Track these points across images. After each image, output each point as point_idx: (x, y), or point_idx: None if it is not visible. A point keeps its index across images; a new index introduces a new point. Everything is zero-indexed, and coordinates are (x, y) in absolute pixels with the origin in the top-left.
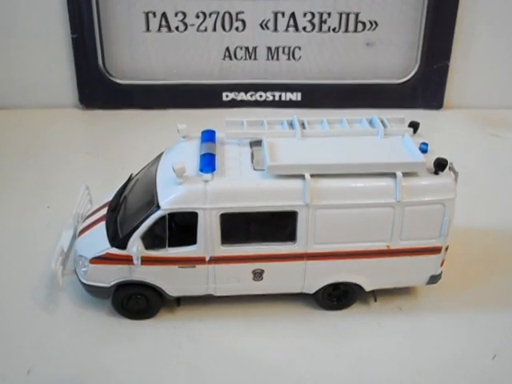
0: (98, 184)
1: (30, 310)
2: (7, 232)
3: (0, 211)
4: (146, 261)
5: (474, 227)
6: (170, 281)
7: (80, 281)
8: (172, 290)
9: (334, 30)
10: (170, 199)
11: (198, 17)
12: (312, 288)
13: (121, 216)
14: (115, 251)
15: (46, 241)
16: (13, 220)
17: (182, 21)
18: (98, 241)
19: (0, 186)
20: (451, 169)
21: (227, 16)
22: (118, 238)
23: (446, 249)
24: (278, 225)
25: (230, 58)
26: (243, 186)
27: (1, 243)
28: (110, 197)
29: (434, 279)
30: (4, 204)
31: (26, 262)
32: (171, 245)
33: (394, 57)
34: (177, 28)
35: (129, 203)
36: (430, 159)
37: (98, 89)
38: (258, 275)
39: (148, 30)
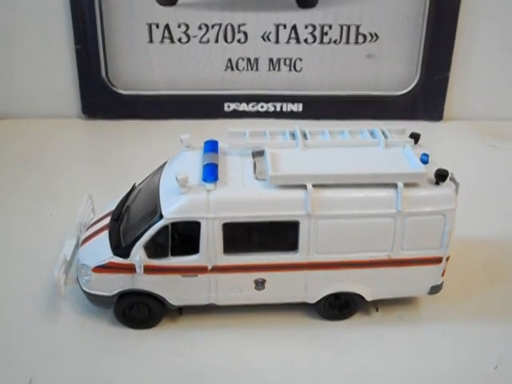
0: (101, 193)
1: (31, 318)
2: (10, 240)
3: (3, 219)
4: (148, 270)
5: (475, 237)
6: (172, 290)
7: (82, 290)
8: (174, 299)
9: (335, 41)
10: (173, 209)
11: (200, 28)
12: (313, 298)
13: (124, 225)
14: (118, 260)
15: (49, 249)
16: (15, 228)
17: (184, 32)
18: (100, 250)
19: (3, 195)
20: (452, 180)
21: (229, 28)
22: (121, 247)
23: (447, 259)
24: (279, 234)
25: (232, 69)
26: (245, 195)
27: (3, 251)
28: (112, 206)
29: (435, 289)
30: (7, 212)
31: (28, 270)
32: (174, 254)
33: (394, 69)
34: (179, 39)
35: (132, 212)
36: (430, 170)
37: (100, 99)
38: (259, 284)
39: (151, 41)
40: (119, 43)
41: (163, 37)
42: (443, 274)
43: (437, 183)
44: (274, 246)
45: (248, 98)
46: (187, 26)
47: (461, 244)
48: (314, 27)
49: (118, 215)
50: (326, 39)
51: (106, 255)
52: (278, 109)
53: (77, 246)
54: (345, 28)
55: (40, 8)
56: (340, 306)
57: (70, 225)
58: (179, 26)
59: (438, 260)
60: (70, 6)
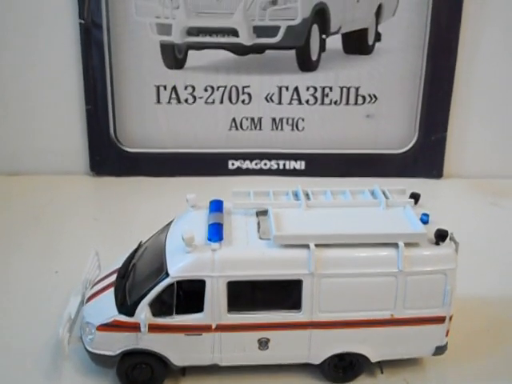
0: (107, 249)
1: (32, 378)
2: (14, 296)
3: (8, 275)
4: (152, 328)
5: (478, 296)
6: (176, 349)
7: (85, 349)
8: (177, 359)
9: (335, 102)
10: (179, 267)
11: (206, 90)
12: (318, 358)
13: (130, 283)
14: (123, 318)
15: (53, 306)
16: (20, 284)
17: (191, 94)
18: (106, 308)
19: (9, 250)
20: (452, 239)
21: (234, 89)
22: (127, 305)
23: (450, 318)
24: (283, 293)
25: (236, 128)
26: (249, 254)
27: (7, 307)
28: (119, 263)
29: (439, 350)
30: (12, 268)
31: (31, 327)
32: (178, 312)
33: (393, 128)
34: (186, 100)
35: (138, 270)
36: (431, 230)
37: (108, 156)
38: (263, 344)
39: (159, 101)
40: (128, 104)
41: (170, 98)
42: (447, 334)
43: (437, 243)
44: (278, 305)
45: (252, 156)
46: (193, 88)
47: (463, 303)
48: (315, 89)
49: (124, 273)
50: (326, 100)
51: (111, 313)
52: (281, 166)
53: (82, 304)
54: (345, 90)
55: (53, 70)
56: (344, 368)
57: (76, 281)
58: (186, 88)
59: (441, 319)
60: (83, 69)
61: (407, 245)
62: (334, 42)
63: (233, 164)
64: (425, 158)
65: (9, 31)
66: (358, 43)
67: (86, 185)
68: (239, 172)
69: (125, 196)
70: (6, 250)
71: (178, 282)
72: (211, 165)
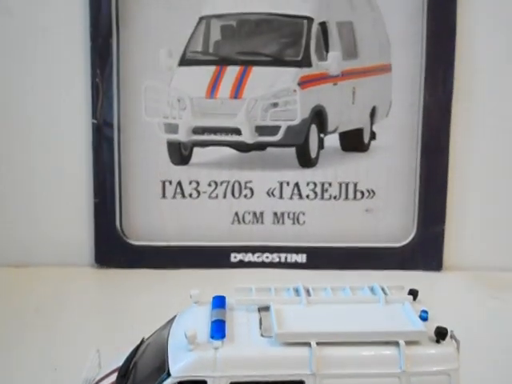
0: (108, 345)
1: None
2: None
3: (6, 371)
4: None
5: None
6: None
7: None
8: None
9: (335, 197)
10: (181, 366)
11: (210, 185)
12: None
13: (130, 382)
14: None
15: None
16: (17, 381)
17: (195, 188)
18: None
19: (9, 344)
20: (453, 337)
21: (237, 184)
22: None
23: None
24: None
25: (239, 221)
26: (251, 354)
27: None
28: (120, 361)
29: None
30: (11, 363)
31: None
32: None
33: (392, 222)
34: (190, 195)
35: (139, 369)
36: (430, 327)
37: (113, 249)
38: None
39: (164, 196)
40: (134, 198)
41: (175, 192)
42: None
43: (437, 341)
44: None
45: (254, 249)
46: (198, 183)
47: None
48: (315, 184)
49: (125, 371)
50: (326, 195)
51: None
52: (283, 259)
53: None
54: (343, 185)
55: (65, 166)
56: None
57: (74, 379)
58: (190, 183)
59: None
60: (93, 165)
61: (408, 343)
62: (332, 141)
63: (235, 257)
64: (424, 250)
65: (25, 129)
66: (354, 142)
67: (90, 277)
68: (241, 265)
69: (128, 289)
70: (6, 345)
71: (179, 383)
72: (214, 257)
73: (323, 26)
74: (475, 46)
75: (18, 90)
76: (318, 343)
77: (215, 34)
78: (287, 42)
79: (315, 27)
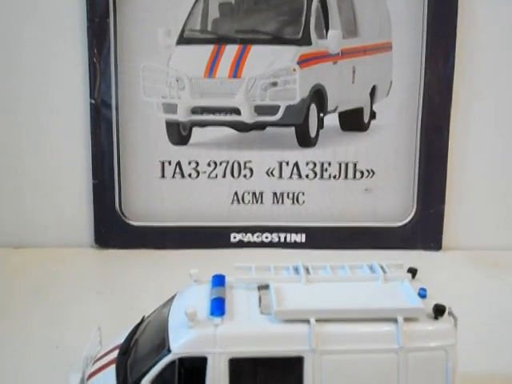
0: (109, 323)
1: None
2: (13, 372)
3: (8, 349)
4: None
5: (480, 373)
6: None
7: None
8: None
9: (334, 177)
10: (181, 343)
11: (209, 165)
12: None
13: (131, 359)
14: None
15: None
16: (20, 359)
17: (194, 168)
18: None
19: (10, 324)
20: (450, 314)
21: (236, 164)
22: (128, 383)
23: None
24: (285, 371)
25: (238, 202)
26: (251, 330)
27: (5, 383)
28: (121, 339)
29: None
30: (13, 342)
31: None
32: None
33: (391, 201)
34: (189, 175)
35: (140, 346)
36: (429, 304)
37: (112, 230)
38: None
39: (163, 176)
40: (133, 178)
41: (174, 172)
42: None
43: (435, 318)
44: (280, 383)
45: (253, 229)
46: (197, 163)
47: (467, 381)
48: (315, 164)
49: (126, 349)
50: (325, 175)
51: None
52: (282, 239)
53: (82, 382)
54: (343, 165)
55: (63, 146)
56: None
57: (76, 357)
58: (189, 163)
59: None
60: (91, 145)
61: (406, 320)
62: (332, 120)
63: (235, 237)
64: (423, 230)
65: (24, 110)
66: (354, 121)
67: (90, 257)
68: (241, 245)
69: (128, 269)
70: (8, 324)
71: (179, 360)
72: (214, 238)
73: (323, 2)
74: (477, 25)
75: (15, 71)
76: (317, 320)
77: (213, 12)
78: (287, 20)
79: (315, 4)
